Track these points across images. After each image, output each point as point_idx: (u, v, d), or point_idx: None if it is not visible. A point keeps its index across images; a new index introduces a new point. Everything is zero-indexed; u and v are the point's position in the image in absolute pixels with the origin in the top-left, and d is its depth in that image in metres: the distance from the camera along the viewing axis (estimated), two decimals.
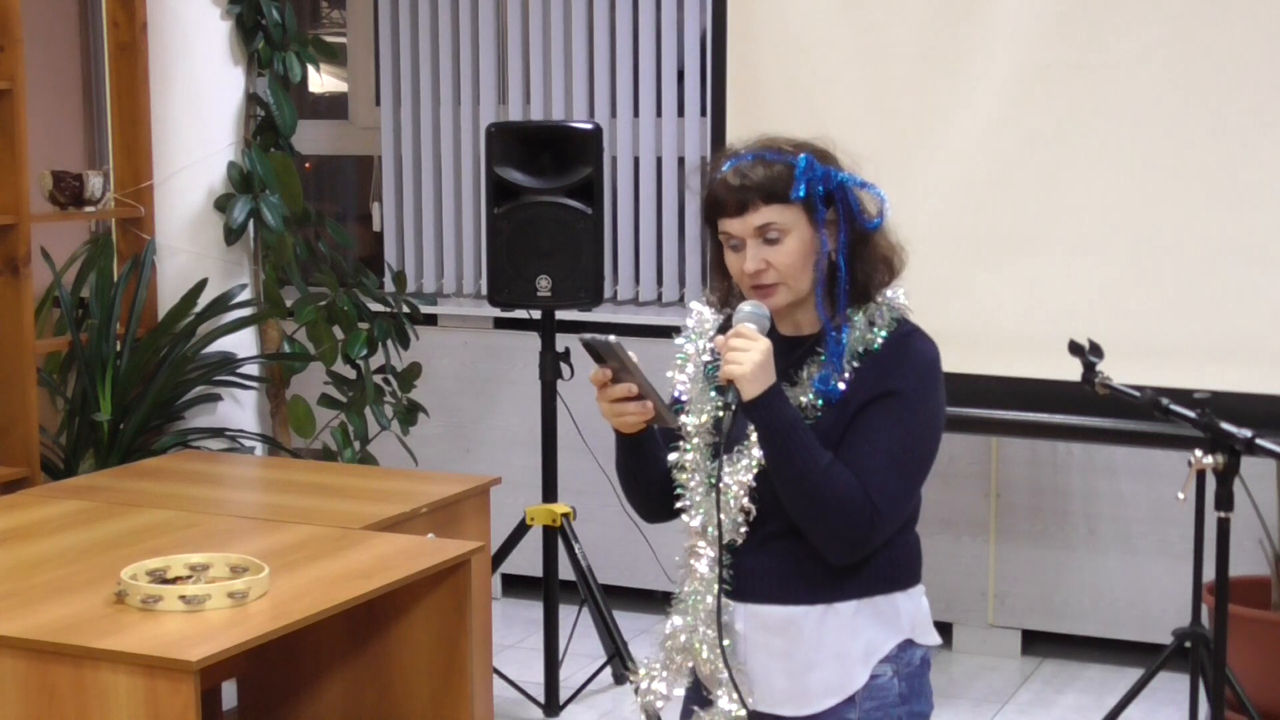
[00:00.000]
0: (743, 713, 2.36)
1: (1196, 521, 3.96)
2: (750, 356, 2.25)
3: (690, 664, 2.44)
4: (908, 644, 2.43)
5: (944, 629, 5.19)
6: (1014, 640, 5.12)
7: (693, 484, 2.39)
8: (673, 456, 2.41)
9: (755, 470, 2.33)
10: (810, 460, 2.26)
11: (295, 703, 3.32)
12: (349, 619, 3.13)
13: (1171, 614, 4.68)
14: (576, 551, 4.60)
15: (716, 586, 2.35)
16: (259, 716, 3.40)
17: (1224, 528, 3.05)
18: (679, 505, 2.41)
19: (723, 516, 2.34)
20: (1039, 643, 5.14)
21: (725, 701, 2.37)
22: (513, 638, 5.28)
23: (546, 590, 4.66)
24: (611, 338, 2.29)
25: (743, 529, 2.36)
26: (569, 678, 4.74)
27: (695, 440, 2.40)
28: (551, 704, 4.63)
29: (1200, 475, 3.67)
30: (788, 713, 2.40)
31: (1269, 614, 4.46)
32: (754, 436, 2.34)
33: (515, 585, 5.68)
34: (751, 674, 2.39)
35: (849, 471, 2.29)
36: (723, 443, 2.32)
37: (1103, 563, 5.01)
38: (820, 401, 2.34)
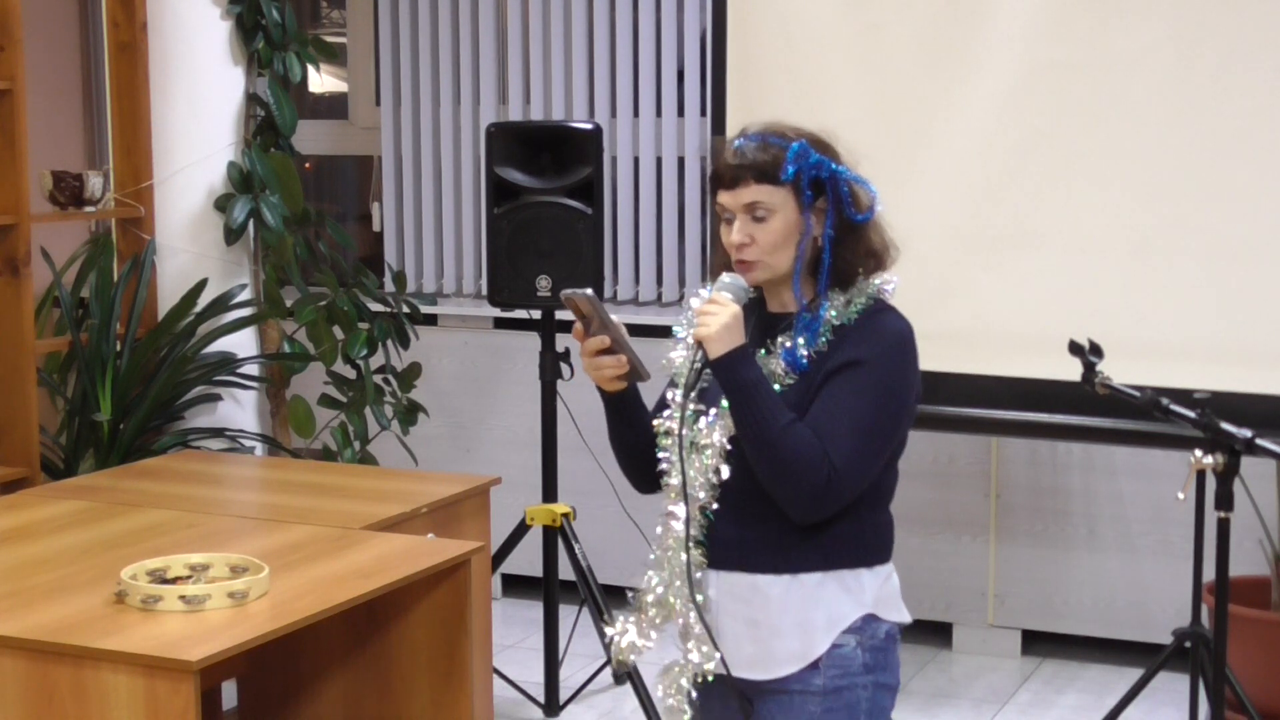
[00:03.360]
0: (711, 665, 2.47)
1: (1196, 521, 3.96)
2: (717, 320, 2.41)
3: (663, 618, 2.55)
4: (871, 618, 2.51)
5: (944, 629, 5.20)
6: (1014, 640, 5.12)
7: (674, 447, 2.50)
8: (658, 423, 2.53)
9: (730, 433, 2.45)
10: (771, 418, 2.39)
11: (295, 703, 3.32)
12: (349, 619, 3.13)
13: (1171, 614, 4.68)
14: (576, 551, 4.60)
15: (686, 542, 2.47)
16: (259, 716, 3.40)
17: (1224, 528, 3.05)
18: (660, 468, 2.51)
19: (694, 474, 2.46)
20: (1039, 643, 5.14)
21: (696, 654, 2.48)
22: (513, 638, 5.28)
23: (546, 590, 4.66)
24: (589, 290, 2.46)
25: (715, 486, 2.47)
26: (569, 678, 4.74)
27: (679, 412, 2.51)
28: (551, 704, 4.63)
29: (1200, 475, 3.67)
30: (754, 676, 2.51)
31: (1269, 614, 4.46)
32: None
33: (515, 585, 5.68)
34: (721, 638, 2.50)
35: (810, 431, 2.40)
36: (684, 392, 2.47)
37: (1103, 563, 5.01)
38: (790, 370, 2.46)
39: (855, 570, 2.49)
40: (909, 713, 4.64)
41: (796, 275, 2.48)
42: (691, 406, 2.50)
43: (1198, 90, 4.03)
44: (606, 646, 2.62)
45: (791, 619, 2.47)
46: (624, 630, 2.57)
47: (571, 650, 4.78)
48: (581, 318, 2.48)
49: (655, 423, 2.54)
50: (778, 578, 2.47)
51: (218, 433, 4.81)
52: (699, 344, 2.43)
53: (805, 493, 2.40)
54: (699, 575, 2.49)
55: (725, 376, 2.41)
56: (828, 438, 2.39)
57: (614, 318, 2.47)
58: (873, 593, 2.51)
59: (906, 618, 2.57)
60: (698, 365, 2.45)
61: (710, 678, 2.49)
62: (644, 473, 2.58)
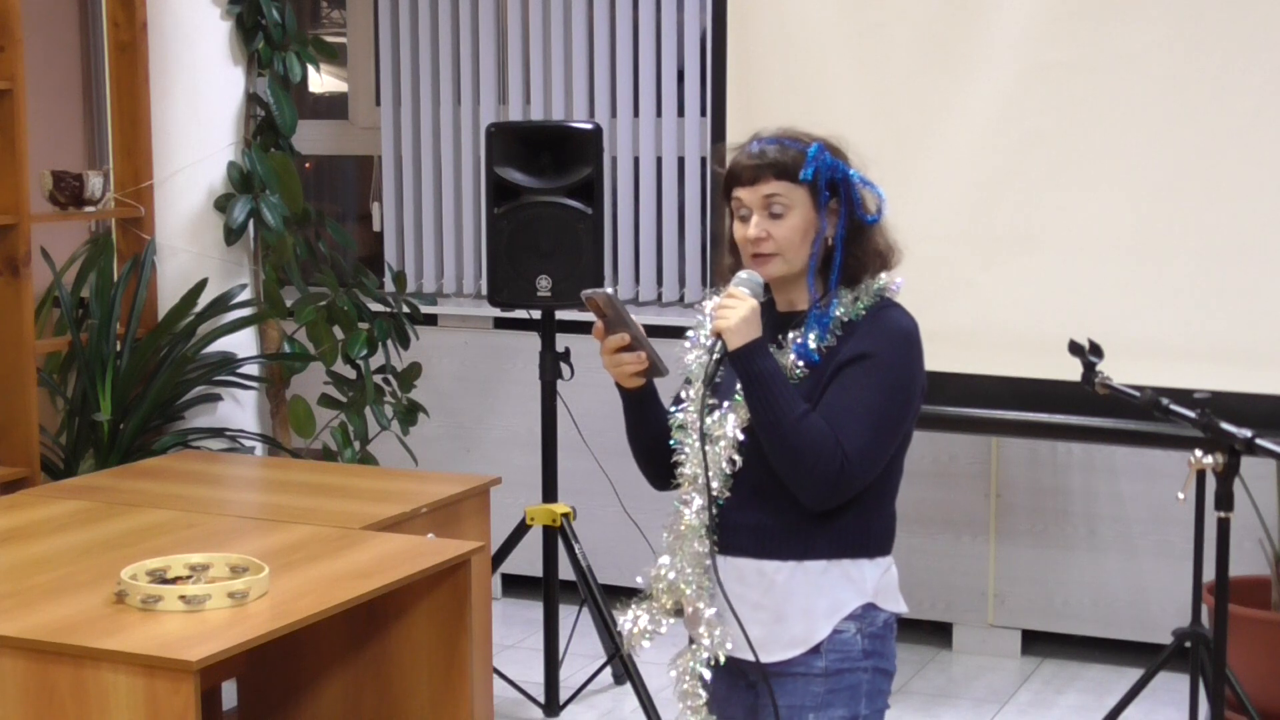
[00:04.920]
0: (721, 653, 2.53)
1: (1196, 521, 3.96)
2: (736, 313, 2.51)
3: (672, 604, 2.62)
4: (870, 607, 2.60)
5: (944, 629, 5.20)
6: (1014, 640, 5.12)
7: (689, 439, 2.60)
8: (672, 418, 2.63)
9: (743, 425, 2.54)
10: (786, 408, 2.49)
11: (295, 703, 3.33)
12: (349, 619, 3.13)
13: (1171, 614, 4.68)
14: (576, 551, 4.60)
15: (706, 531, 2.55)
16: (259, 716, 3.40)
17: (1224, 528, 3.05)
18: (675, 459, 2.61)
19: (709, 464, 2.55)
20: (1039, 643, 5.14)
21: (707, 639, 2.55)
22: (513, 638, 5.28)
23: (546, 590, 4.66)
24: (609, 289, 2.56)
25: (728, 476, 2.55)
26: (569, 678, 4.74)
27: (695, 403, 2.59)
28: (551, 704, 4.63)
29: (1200, 475, 3.67)
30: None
31: (1269, 614, 4.46)
32: (741, 396, 2.55)
33: (515, 585, 5.68)
34: (726, 621, 2.56)
35: (823, 421, 2.50)
36: (704, 383, 2.56)
37: (1103, 563, 5.01)
38: (801, 364, 2.55)
39: (858, 560, 2.58)
40: (909, 713, 4.64)
41: (811, 272, 2.58)
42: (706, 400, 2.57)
43: (1198, 90, 4.03)
44: (618, 633, 2.66)
45: (796, 604, 2.55)
46: (636, 616, 2.63)
47: (571, 650, 4.78)
48: (602, 316, 2.57)
49: (673, 416, 2.63)
50: (784, 564, 2.55)
51: (218, 433, 4.81)
52: (718, 336, 2.52)
53: (819, 479, 2.48)
54: (707, 561, 2.57)
55: (743, 367, 2.51)
56: (840, 426, 2.49)
57: (632, 316, 2.56)
58: (873, 583, 2.60)
59: (903, 608, 2.66)
60: (717, 356, 2.53)
61: (722, 661, 2.55)
62: (661, 470, 2.66)
